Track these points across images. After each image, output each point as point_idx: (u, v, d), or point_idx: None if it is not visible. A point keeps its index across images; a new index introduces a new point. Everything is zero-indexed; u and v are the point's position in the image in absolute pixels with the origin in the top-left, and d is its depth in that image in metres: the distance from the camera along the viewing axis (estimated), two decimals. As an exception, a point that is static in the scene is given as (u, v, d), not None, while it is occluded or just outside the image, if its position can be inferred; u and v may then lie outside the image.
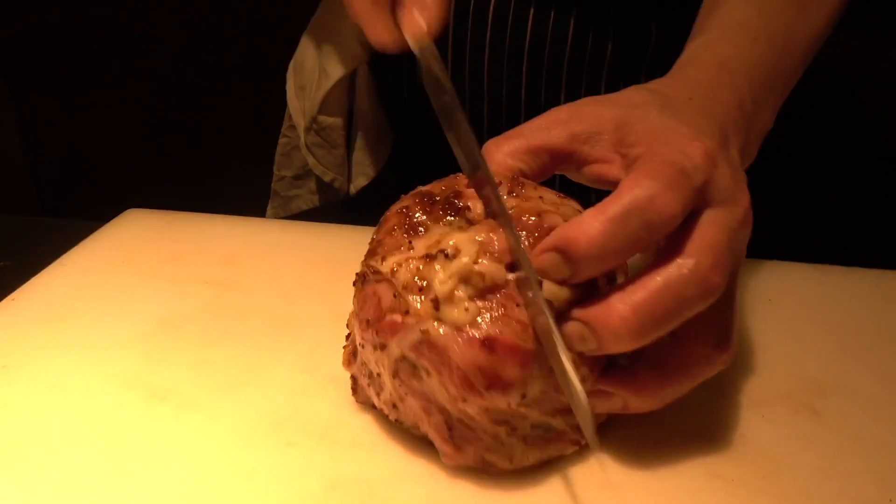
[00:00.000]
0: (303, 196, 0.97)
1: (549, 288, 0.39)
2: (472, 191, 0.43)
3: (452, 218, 0.42)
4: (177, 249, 0.67)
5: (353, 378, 0.47)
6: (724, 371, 0.50)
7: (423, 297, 0.39)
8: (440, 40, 0.73)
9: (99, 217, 0.74)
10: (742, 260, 0.43)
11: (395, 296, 0.40)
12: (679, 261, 0.38)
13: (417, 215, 0.42)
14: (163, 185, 1.70)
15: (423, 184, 0.48)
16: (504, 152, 0.44)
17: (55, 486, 0.42)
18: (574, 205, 0.43)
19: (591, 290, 0.40)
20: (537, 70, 0.77)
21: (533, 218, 0.40)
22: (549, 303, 0.39)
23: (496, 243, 0.39)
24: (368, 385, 0.45)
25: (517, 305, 0.39)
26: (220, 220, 0.73)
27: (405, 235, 0.42)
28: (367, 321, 0.42)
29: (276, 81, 0.94)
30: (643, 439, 0.45)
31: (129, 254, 0.66)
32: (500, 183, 0.42)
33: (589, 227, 0.37)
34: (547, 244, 0.39)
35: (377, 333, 0.41)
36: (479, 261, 0.39)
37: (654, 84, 0.48)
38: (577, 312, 0.39)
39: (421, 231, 0.42)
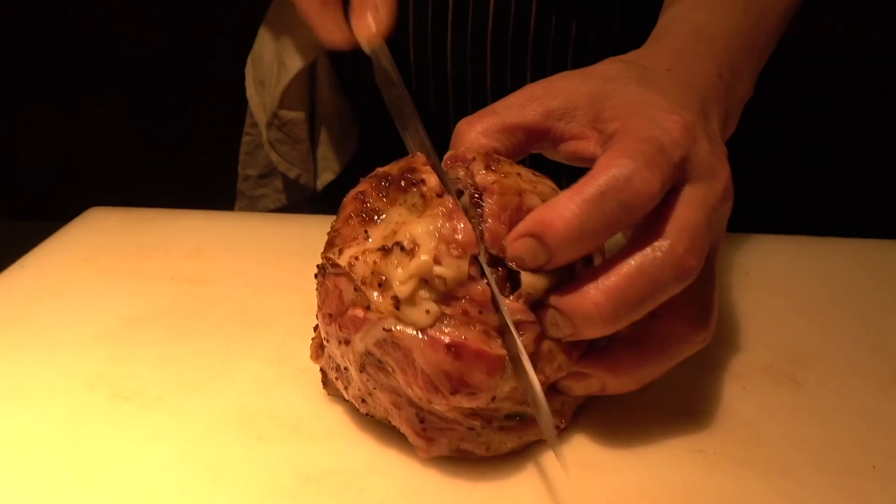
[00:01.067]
0: (270, 195, 0.94)
1: (527, 278, 0.37)
2: (427, 166, 0.41)
3: (407, 194, 0.40)
4: (140, 246, 0.65)
5: (323, 371, 0.45)
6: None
7: (382, 293, 0.37)
8: (400, 27, 0.73)
9: (62, 218, 0.72)
10: (723, 235, 0.42)
11: (355, 289, 0.39)
12: (654, 243, 0.37)
13: (372, 200, 0.40)
14: (135, 186, 1.68)
15: None
16: (477, 131, 0.42)
17: (18, 489, 0.40)
18: (549, 182, 0.42)
19: (568, 275, 0.38)
20: (501, 51, 0.75)
21: (515, 198, 0.39)
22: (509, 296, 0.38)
23: (459, 233, 0.37)
24: (336, 378, 0.43)
25: (480, 310, 0.37)
26: (184, 215, 0.71)
27: (361, 224, 0.40)
28: (330, 315, 0.41)
29: (237, 78, 0.92)
30: (623, 417, 0.44)
31: (92, 252, 0.64)
32: (475, 158, 0.40)
33: (565, 209, 0.36)
34: (522, 229, 0.37)
35: (340, 328, 0.40)
36: (440, 259, 0.37)
37: (631, 55, 0.46)
38: (551, 299, 0.38)
39: (377, 219, 0.40)
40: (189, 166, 1.70)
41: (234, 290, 0.58)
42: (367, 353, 0.39)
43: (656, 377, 0.42)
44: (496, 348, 0.37)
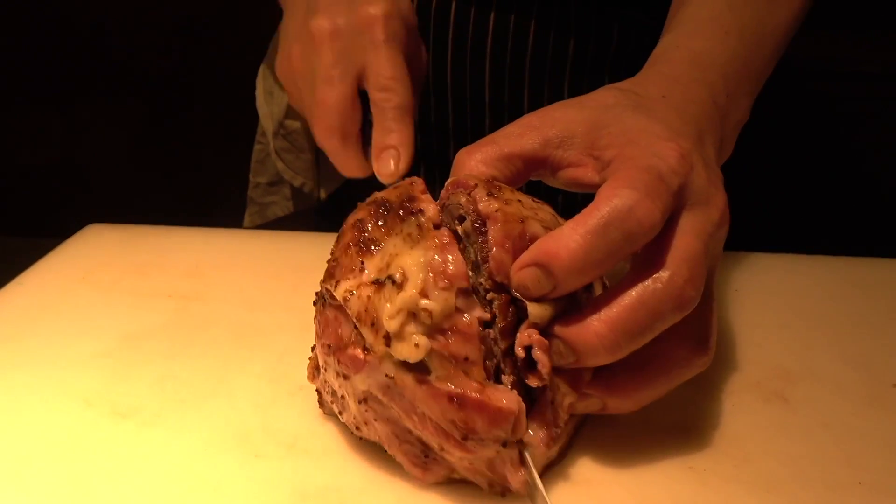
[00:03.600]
0: (278, 202, 0.96)
1: (533, 309, 0.38)
2: (426, 195, 0.42)
3: (404, 224, 0.40)
4: (138, 263, 0.66)
5: (318, 391, 0.46)
6: (693, 362, 0.50)
7: (375, 333, 0.38)
8: None
9: (60, 235, 0.73)
10: (720, 258, 0.43)
11: (354, 326, 0.39)
12: (654, 274, 0.38)
13: (370, 229, 0.41)
14: (135, 200, 1.68)
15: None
16: (476, 160, 0.43)
17: (14, 510, 0.40)
18: (548, 208, 0.43)
19: (571, 304, 0.39)
20: (500, 72, 0.77)
21: (518, 226, 0.39)
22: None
23: (450, 265, 0.38)
24: (332, 402, 0.44)
25: (469, 341, 0.38)
26: (182, 233, 0.72)
27: (358, 254, 0.40)
28: (329, 346, 0.41)
29: (249, 89, 0.93)
30: (614, 435, 0.45)
31: (90, 269, 0.65)
32: (476, 185, 0.41)
33: (569, 240, 0.37)
34: (527, 259, 0.38)
35: (339, 363, 0.40)
36: (427, 292, 0.37)
37: (627, 83, 0.47)
38: (555, 329, 0.38)
39: (374, 249, 0.40)
40: (189, 178, 1.70)
41: (231, 307, 0.59)
42: (369, 393, 0.40)
43: (656, 399, 0.42)
44: (496, 398, 0.37)
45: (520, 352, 0.38)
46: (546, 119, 0.44)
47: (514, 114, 0.77)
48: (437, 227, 0.40)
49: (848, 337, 0.55)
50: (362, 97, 0.53)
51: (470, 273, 0.40)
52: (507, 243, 0.39)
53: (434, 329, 0.37)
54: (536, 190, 0.48)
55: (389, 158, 0.51)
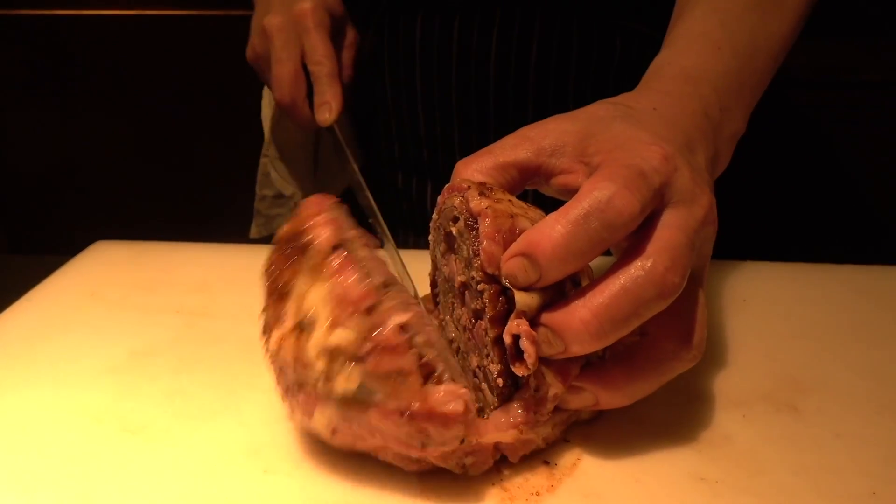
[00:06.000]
0: (284, 215, 0.97)
1: (521, 297, 0.39)
2: (319, 217, 0.43)
3: (305, 256, 0.41)
4: (146, 279, 0.66)
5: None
6: (702, 372, 0.50)
7: (311, 375, 0.39)
8: (407, 62, 0.80)
9: (68, 252, 0.73)
10: (708, 258, 0.44)
11: (294, 371, 0.41)
12: (637, 262, 0.39)
13: (280, 272, 0.42)
14: (140, 214, 1.68)
15: (394, 204, 0.56)
16: (473, 169, 0.45)
17: (24, 528, 0.40)
18: (539, 211, 0.43)
19: (559, 295, 0.40)
20: (503, 87, 0.77)
21: (508, 220, 0.41)
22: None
23: (350, 288, 0.39)
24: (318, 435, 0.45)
25: (396, 353, 0.38)
26: (189, 248, 0.73)
27: (277, 303, 0.41)
28: (287, 388, 0.42)
29: (254, 102, 0.94)
30: (625, 446, 0.45)
31: (98, 286, 0.65)
32: (469, 187, 0.43)
33: (551, 230, 0.38)
34: (514, 250, 0.39)
35: (299, 404, 0.42)
36: (338, 322, 0.38)
37: (620, 98, 0.49)
38: (543, 317, 0.39)
39: (288, 292, 0.41)
40: (195, 190, 1.70)
41: (239, 322, 0.59)
42: (334, 423, 0.41)
43: (648, 393, 0.43)
44: (441, 403, 0.38)
45: (507, 338, 0.39)
46: (540, 130, 0.46)
47: (518, 126, 0.78)
48: (336, 247, 0.41)
49: (857, 346, 0.55)
50: (306, 71, 0.73)
51: (464, 268, 0.43)
52: (497, 236, 0.40)
53: (358, 356, 0.38)
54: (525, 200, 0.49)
55: (325, 111, 0.73)
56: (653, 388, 0.43)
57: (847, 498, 0.41)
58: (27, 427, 0.48)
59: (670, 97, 0.48)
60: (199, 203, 1.69)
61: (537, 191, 0.48)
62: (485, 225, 0.40)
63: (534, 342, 0.38)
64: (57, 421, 0.48)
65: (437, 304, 0.53)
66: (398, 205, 0.89)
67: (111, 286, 0.65)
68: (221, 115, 1.63)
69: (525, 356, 0.38)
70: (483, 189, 0.42)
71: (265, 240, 0.94)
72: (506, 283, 0.39)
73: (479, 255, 0.40)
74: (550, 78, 0.76)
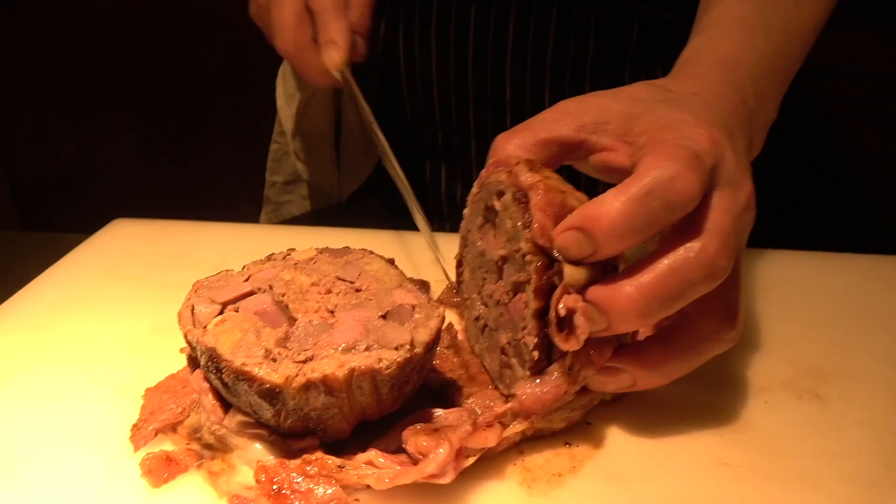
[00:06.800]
0: (294, 201, 0.97)
1: (570, 271, 0.39)
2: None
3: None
4: (165, 257, 0.66)
5: None
6: (724, 358, 0.50)
7: None
8: (423, 44, 0.78)
9: (85, 230, 0.73)
10: (745, 244, 0.44)
11: None
12: (687, 244, 0.39)
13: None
14: (151, 197, 1.68)
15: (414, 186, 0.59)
16: (514, 145, 0.45)
17: (50, 499, 0.41)
18: (583, 195, 0.43)
19: (603, 274, 0.40)
20: (521, 67, 0.77)
21: (559, 195, 0.41)
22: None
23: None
24: None
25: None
26: (208, 227, 0.73)
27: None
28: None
29: (264, 89, 0.93)
30: (647, 429, 0.45)
31: (117, 263, 0.65)
32: (518, 163, 0.43)
33: (610, 206, 0.38)
34: (569, 223, 0.39)
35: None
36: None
37: (659, 81, 0.48)
38: (588, 293, 0.39)
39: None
40: (203, 178, 1.71)
41: (259, 301, 0.59)
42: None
43: (685, 373, 0.43)
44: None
45: (561, 310, 0.39)
46: (581, 105, 0.45)
47: (535, 111, 0.77)
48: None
49: (879, 335, 0.55)
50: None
51: (505, 242, 0.43)
52: (549, 209, 0.40)
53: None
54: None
55: (330, 49, 0.62)
56: (690, 368, 0.42)
57: (871, 484, 0.41)
58: (51, 400, 0.48)
59: (709, 83, 0.48)
60: (206, 188, 1.69)
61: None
62: (537, 197, 0.40)
63: (588, 319, 0.38)
64: (80, 394, 0.49)
65: (460, 283, 0.53)
66: (412, 188, 0.88)
67: (131, 263, 0.65)
68: (229, 99, 1.63)
69: (578, 332, 0.38)
70: (532, 165, 0.42)
71: (289, 221, 0.94)
72: (556, 255, 0.39)
73: (529, 226, 0.40)
74: (567, 61, 0.75)
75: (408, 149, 0.87)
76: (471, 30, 0.77)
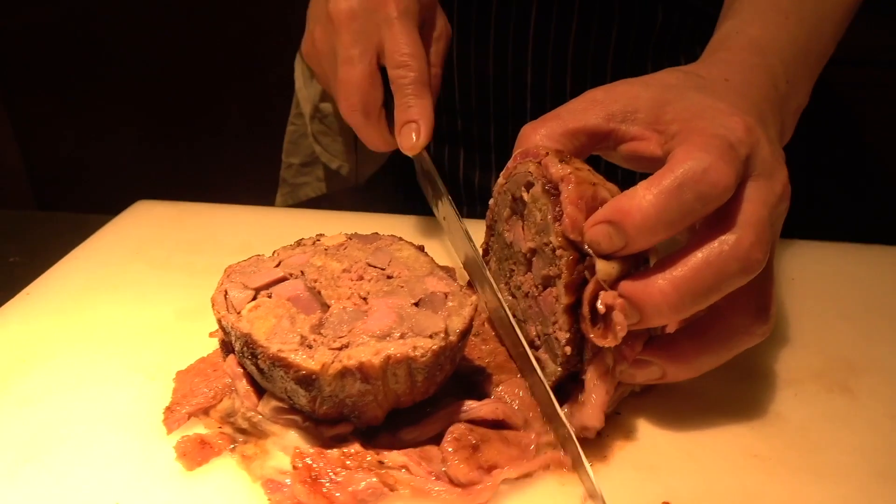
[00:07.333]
0: (311, 183, 0.96)
1: (602, 265, 0.39)
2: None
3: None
4: (190, 240, 0.66)
5: None
6: (753, 349, 0.49)
7: None
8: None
9: (97, 211, 0.73)
10: (779, 235, 0.43)
11: None
12: (721, 237, 0.38)
13: None
14: (165, 179, 1.68)
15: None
16: (542, 135, 0.44)
17: (83, 481, 0.41)
18: (614, 186, 0.43)
19: (634, 268, 0.40)
20: (542, 54, 0.76)
21: (590, 188, 0.40)
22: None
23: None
24: None
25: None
26: (231, 210, 0.73)
27: None
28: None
29: (279, 72, 0.93)
30: (677, 420, 0.45)
31: (142, 245, 0.65)
32: (548, 153, 0.42)
33: (642, 199, 0.37)
34: (600, 216, 0.39)
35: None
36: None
37: (688, 67, 0.48)
38: (621, 287, 0.39)
39: None
40: (217, 160, 1.71)
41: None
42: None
43: (715, 366, 0.43)
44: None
45: (600, 308, 0.38)
46: (610, 94, 0.45)
47: (556, 98, 0.77)
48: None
49: (907, 328, 0.55)
50: (383, 73, 0.55)
51: (534, 234, 0.42)
52: (581, 202, 0.40)
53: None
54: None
55: (411, 132, 0.55)
56: (721, 361, 0.42)
57: (903, 479, 0.41)
58: (84, 383, 0.48)
59: (740, 68, 0.47)
60: (219, 169, 1.69)
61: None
62: (568, 190, 0.40)
63: (626, 314, 0.38)
64: (111, 377, 0.49)
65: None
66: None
67: (155, 246, 0.65)
68: (248, 83, 1.62)
69: (617, 328, 0.38)
70: (562, 156, 0.42)
71: (306, 203, 0.94)
72: (586, 249, 0.39)
73: (559, 220, 0.40)
74: (590, 47, 0.75)
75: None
76: (492, 15, 0.76)
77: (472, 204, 0.88)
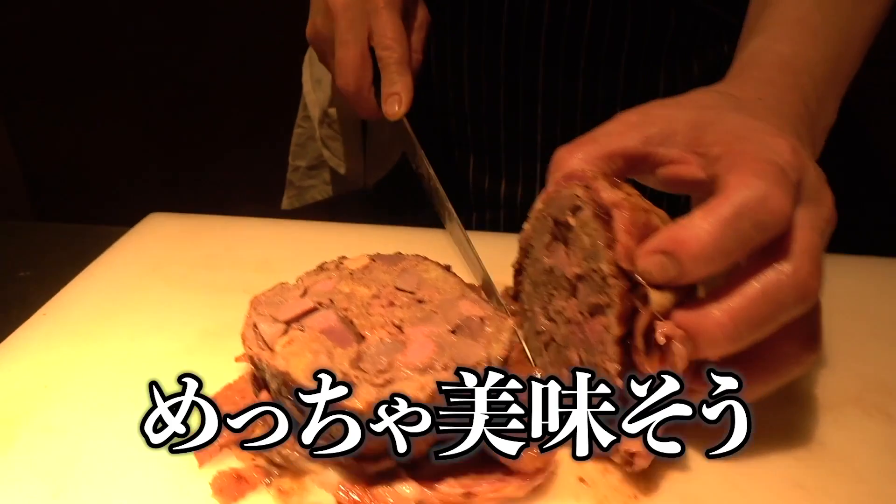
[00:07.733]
0: (317, 186, 0.96)
1: (656, 296, 0.38)
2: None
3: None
4: (207, 256, 0.65)
5: None
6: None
7: None
8: (454, 32, 0.78)
9: (105, 221, 0.72)
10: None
11: None
12: (776, 266, 0.37)
13: None
14: (166, 185, 1.67)
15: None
16: (579, 158, 0.43)
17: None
18: (663, 212, 0.42)
19: (688, 297, 0.39)
20: (554, 57, 0.75)
21: (643, 215, 0.40)
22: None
23: None
24: None
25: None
26: (245, 223, 0.71)
27: None
28: None
29: (285, 74, 0.92)
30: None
31: (158, 262, 0.64)
32: (596, 177, 0.41)
33: (699, 229, 0.37)
34: (654, 246, 0.38)
35: None
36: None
37: (721, 86, 0.47)
38: (675, 317, 0.38)
39: None
40: (222, 163, 1.69)
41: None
42: None
43: (763, 397, 0.42)
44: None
45: (660, 339, 0.37)
46: (646, 116, 0.44)
47: (567, 102, 0.77)
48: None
49: (942, 347, 0.54)
50: (373, 54, 0.66)
51: (581, 260, 0.41)
52: (634, 230, 0.39)
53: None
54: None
55: (394, 103, 0.66)
56: (768, 391, 0.41)
57: (952, 511, 0.40)
58: (108, 406, 0.48)
59: (771, 87, 0.46)
60: (226, 173, 1.68)
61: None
62: (623, 217, 0.39)
63: (686, 345, 0.37)
64: (136, 405, 0.47)
65: (518, 293, 0.52)
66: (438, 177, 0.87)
67: (172, 262, 0.64)
68: (253, 85, 1.61)
69: (675, 359, 0.37)
70: (612, 180, 0.41)
71: (323, 215, 0.93)
72: (637, 278, 0.38)
73: (612, 247, 0.39)
74: (602, 51, 0.74)
75: (435, 137, 0.86)
76: (503, 17, 0.75)
77: (480, 209, 0.87)
